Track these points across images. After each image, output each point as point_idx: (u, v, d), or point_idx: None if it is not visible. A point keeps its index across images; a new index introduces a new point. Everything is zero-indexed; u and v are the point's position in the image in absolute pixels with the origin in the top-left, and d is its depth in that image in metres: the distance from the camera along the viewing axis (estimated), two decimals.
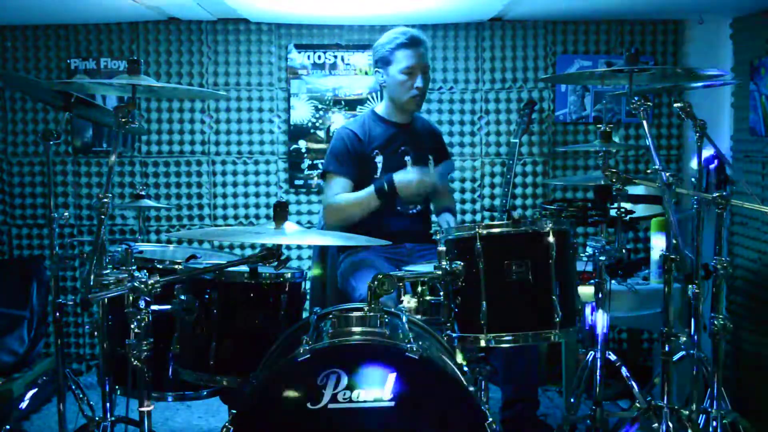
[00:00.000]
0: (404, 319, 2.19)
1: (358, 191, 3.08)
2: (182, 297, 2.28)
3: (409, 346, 1.90)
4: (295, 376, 1.91)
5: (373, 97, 4.12)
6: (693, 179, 2.78)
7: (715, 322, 2.37)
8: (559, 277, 2.21)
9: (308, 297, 2.97)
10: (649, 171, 2.28)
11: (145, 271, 2.01)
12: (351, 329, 2.08)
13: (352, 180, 3.12)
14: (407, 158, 3.19)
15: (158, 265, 2.56)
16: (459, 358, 2.23)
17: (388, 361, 1.91)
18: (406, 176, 2.97)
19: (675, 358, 2.69)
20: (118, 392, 2.59)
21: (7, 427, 2.84)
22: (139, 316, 1.93)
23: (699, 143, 2.51)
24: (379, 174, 3.13)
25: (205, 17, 4.01)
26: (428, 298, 2.25)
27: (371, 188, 3.01)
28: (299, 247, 4.21)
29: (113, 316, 2.56)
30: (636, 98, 2.29)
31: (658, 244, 3.38)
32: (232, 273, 2.33)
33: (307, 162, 4.16)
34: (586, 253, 2.76)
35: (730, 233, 3.79)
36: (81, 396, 2.81)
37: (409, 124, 3.28)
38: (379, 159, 3.15)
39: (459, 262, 2.17)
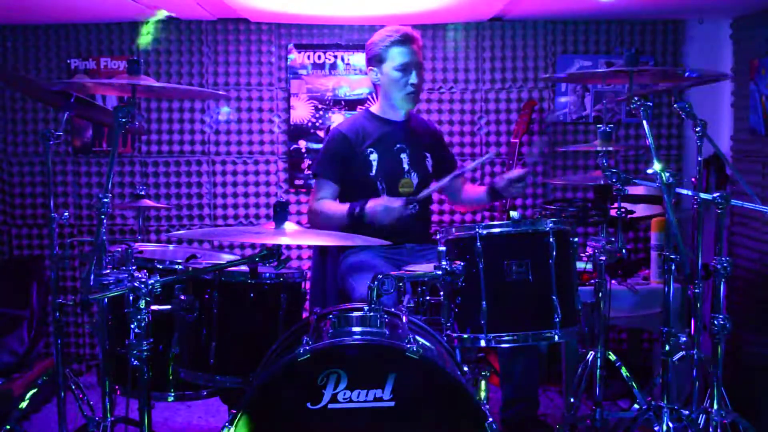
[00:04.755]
0: (404, 319, 2.19)
1: (340, 203, 3.07)
2: (182, 297, 2.29)
3: (409, 346, 1.91)
4: (295, 376, 1.91)
5: (372, 97, 4.11)
6: (693, 179, 2.78)
7: (715, 322, 2.37)
8: (559, 277, 2.21)
9: (308, 297, 2.97)
10: (649, 171, 2.28)
11: (145, 271, 2.02)
12: (351, 329, 2.07)
13: (337, 184, 3.12)
14: (403, 155, 3.18)
15: (158, 265, 2.56)
16: (459, 358, 2.23)
17: (388, 361, 1.91)
18: (375, 203, 2.96)
19: (675, 358, 2.69)
20: (118, 392, 2.60)
21: (7, 427, 2.84)
22: (139, 316, 1.93)
23: (699, 143, 2.51)
24: (374, 171, 3.12)
25: (205, 17, 4.01)
26: (428, 298, 2.25)
27: (346, 207, 3.00)
28: (299, 247, 4.21)
29: (113, 316, 2.57)
30: (636, 98, 2.29)
31: (657, 244, 3.37)
32: (232, 273, 2.33)
33: (307, 162, 4.16)
34: (586, 253, 2.76)
35: (730, 233, 3.79)
36: (81, 396, 2.81)
37: (405, 122, 3.26)
38: (373, 156, 3.13)
39: (459, 262, 2.18)
